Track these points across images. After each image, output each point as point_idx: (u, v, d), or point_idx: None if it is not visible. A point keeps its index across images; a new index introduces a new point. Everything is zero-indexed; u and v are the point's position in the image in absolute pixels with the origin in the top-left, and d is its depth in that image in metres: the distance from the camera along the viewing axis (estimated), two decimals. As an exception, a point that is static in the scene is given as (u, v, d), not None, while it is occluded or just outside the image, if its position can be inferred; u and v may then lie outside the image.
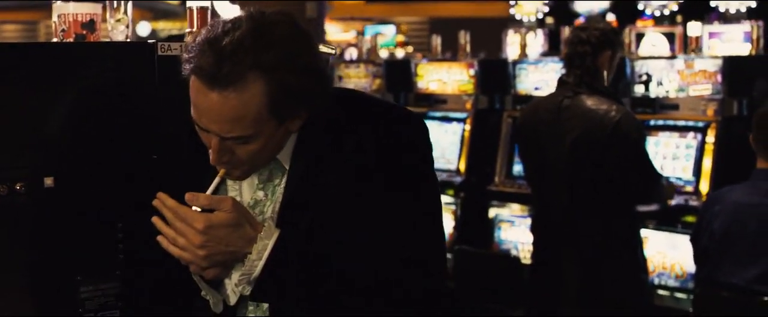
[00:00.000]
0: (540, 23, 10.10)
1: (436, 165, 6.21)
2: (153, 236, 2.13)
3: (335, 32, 24.28)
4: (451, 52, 8.34)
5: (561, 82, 4.78)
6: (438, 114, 6.73)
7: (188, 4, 3.19)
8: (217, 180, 2.08)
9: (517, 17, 10.26)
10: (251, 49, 1.91)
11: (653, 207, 5.21)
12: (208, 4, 3.19)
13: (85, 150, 2.66)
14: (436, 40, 7.10)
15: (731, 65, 5.37)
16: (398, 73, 7.04)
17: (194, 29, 3.13)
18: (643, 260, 4.71)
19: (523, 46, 6.71)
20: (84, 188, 2.65)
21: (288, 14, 2.01)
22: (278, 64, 1.93)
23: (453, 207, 6.42)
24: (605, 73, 4.69)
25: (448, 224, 6.42)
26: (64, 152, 2.63)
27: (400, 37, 24.04)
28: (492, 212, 6.20)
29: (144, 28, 22.33)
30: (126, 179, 2.69)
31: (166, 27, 24.78)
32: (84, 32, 3.22)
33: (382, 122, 2.10)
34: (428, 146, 2.18)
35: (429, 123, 6.62)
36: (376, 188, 2.05)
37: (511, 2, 10.29)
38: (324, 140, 2.08)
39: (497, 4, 21.98)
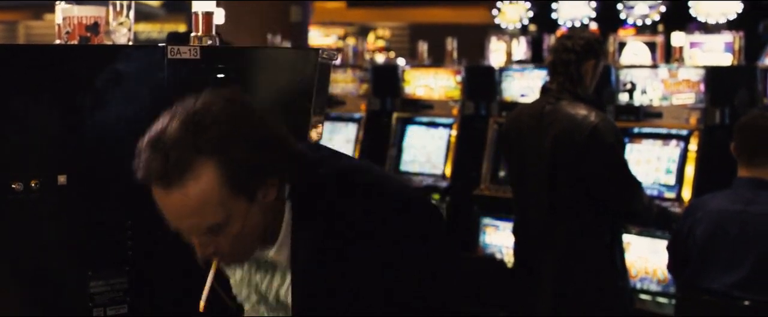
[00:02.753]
0: (523, 31, 10.21)
1: (422, 169, 6.30)
2: (161, 233, 2.21)
3: (316, 37, 24.32)
4: (432, 58, 8.43)
5: (544, 89, 4.87)
6: (424, 119, 6.82)
7: (193, 8, 3.28)
8: (210, 276, 2.08)
9: (501, 24, 10.37)
10: (189, 137, 1.94)
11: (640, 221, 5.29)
12: (213, 8, 3.28)
13: (97, 150, 2.74)
14: (422, 47, 7.19)
15: (714, 75, 5.48)
16: (385, 79, 7.13)
17: (200, 33, 3.23)
18: (622, 264, 4.74)
19: (509, 54, 6.80)
20: (95, 187, 2.74)
21: (222, 94, 2.04)
22: (220, 144, 1.95)
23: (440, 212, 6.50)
24: (589, 81, 4.79)
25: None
26: (77, 152, 2.71)
27: (381, 43, 24.12)
28: (477, 217, 6.29)
29: (123, 30, 22.22)
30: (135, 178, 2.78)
31: (145, 29, 24.77)
32: (88, 34, 3.30)
33: (386, 208, 2.07)
34: (439, 232, 2.14)
35: (416, 128, 6.80)
36: (385, 280, 2.03)
37: (495, 9, 10.40)
38: (320, 233, 2.05)
39: (478, 11, 22.09)
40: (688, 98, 5.53)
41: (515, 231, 5.06)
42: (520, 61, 7.00)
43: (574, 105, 4.67)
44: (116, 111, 2.76)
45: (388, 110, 7.07)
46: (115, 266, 2.76)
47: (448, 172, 6.55)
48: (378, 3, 24.56)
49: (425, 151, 6.75)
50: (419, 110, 6.83)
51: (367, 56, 10.98)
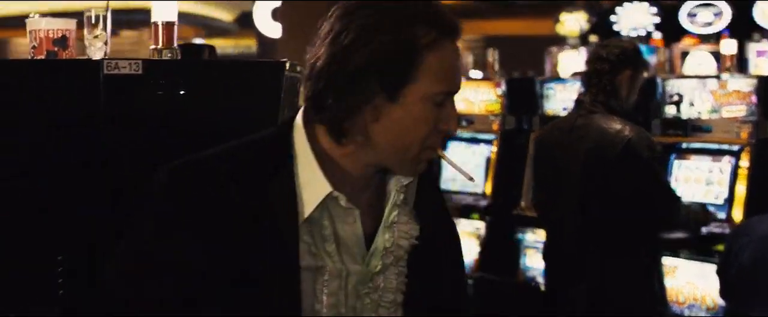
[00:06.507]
0: (583, 41, 9.87)
1: (462, 188, 5.99)
2: (96, 270, 1.96)
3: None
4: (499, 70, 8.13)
5: (578, 101, 4.64)
6: (465, 135, 6.52)
7: (153, 18, 3.02)
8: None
9: (562, 35, 10.07)
10: None
11: (681, 235, 4.96)
12: (175, 18, 3.02)
13: (23, 178, 2.48)
14: (468, 58, 6.90)
15: (766, 85, 5.11)
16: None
17: (159, 45, 2.96)
18: (661, 288, 4.52)
19: (555, 65, 6.48)
20: (23, 220, 2.48)
21: None
22: None
23: (478, 232, 6.19)
24: (624, 93, 4.50)
25: (474, 249, 6.20)
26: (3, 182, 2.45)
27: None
28: (518, 238, 5.98)
29: (199, 45, 22.36)
30: (68, 206, 2.50)
31: (218, 44, 24.81)
32: (55, 49, 3.07)
33: None
34: None
35: (456, 144, 6.48)
36: None
37: (557, 19, 10.10)
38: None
39: (550, 22, 21.77)
40: (739, 110, 5.16)
41: (545, 254, 4.84)
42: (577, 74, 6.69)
43: (608, 119, 4.43)
44: (44, 133, 2.49)
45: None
46: (44, 305, 2.49)
47: (488, 190, 6.23)
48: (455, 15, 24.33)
49: (468, 168, 6.44)
50: (459, 125, 6.52)
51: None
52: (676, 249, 5.13)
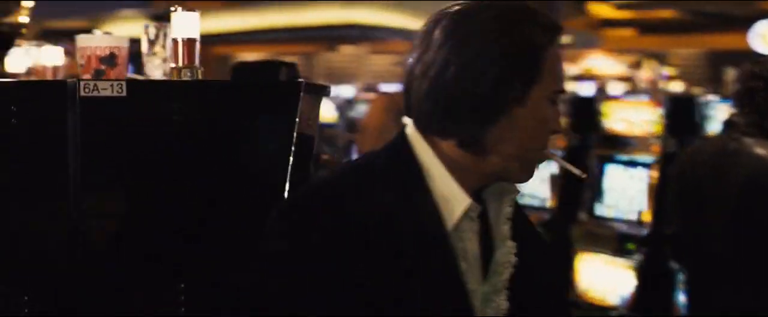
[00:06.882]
0: (786, 56, 9.18)
1: (619, 215, 5.50)
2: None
3: (607, 65, 23.52)
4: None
5: (729, 123, 4.14)
6: (624, 158, 6.07)
7: (173, 34, 2.78)
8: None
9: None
10: None
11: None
12: (197, 34, 2.78)
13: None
14: (649, 71, 6.42)
15: None
16: (582, 112, 6.40)
17: (179, 64, 2.73)
18: None
19: (726, 83, 5.95)
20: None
21: None
22: None
23: (634, 264, 5.72)
24: None
25: (631, 282, 5.74)
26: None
27: (672, 71, 22.92)
28: (674, 271, 5.48)
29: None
30: (38, 238, 2.28)
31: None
32: (103, 67, 2.89)
33: None
34: None
35: (614, 168, 6.03)
36: None
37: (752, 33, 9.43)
38: None
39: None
40: None
41: (689, 290, 4.39)
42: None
43: (765, 144, 3.92)
44: (15, 158, 2.28)
45: (587, 146, 6.36)
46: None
47: (647, 218, 5.76)
48: (673, 29, 23.46)
49: (625, 194, 5.99)
50: (618, 147, 6.08)
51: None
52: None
